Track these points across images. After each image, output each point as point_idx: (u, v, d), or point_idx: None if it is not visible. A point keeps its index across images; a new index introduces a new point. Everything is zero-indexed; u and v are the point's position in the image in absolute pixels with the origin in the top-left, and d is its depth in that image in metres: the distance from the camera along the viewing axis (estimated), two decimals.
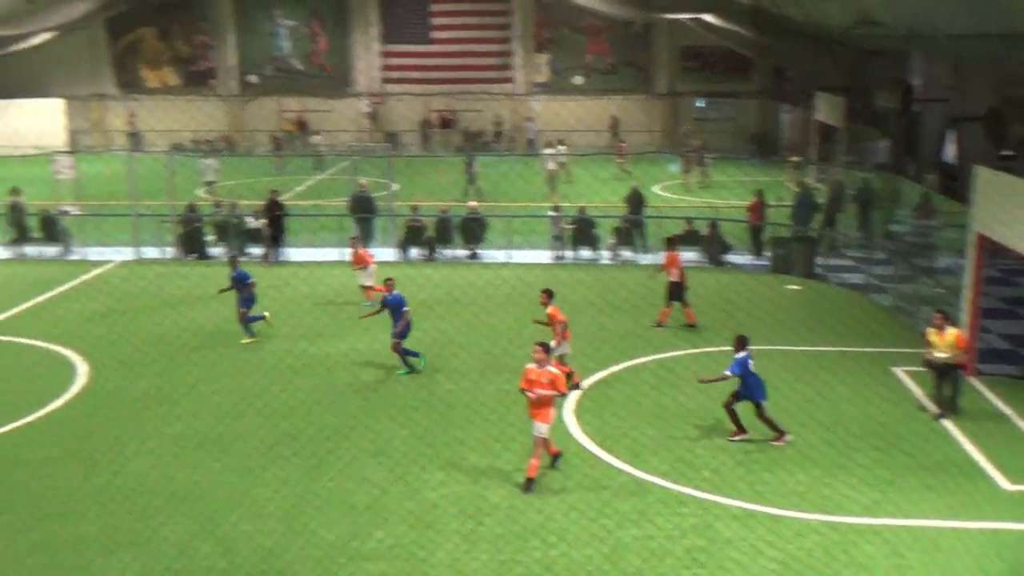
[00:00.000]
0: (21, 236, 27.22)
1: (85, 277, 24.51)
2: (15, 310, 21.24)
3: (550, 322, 16.07)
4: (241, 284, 18.87)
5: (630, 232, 26.26)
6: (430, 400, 15.85)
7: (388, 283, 17.35)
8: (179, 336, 19.25)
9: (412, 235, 26.31)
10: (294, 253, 26.29)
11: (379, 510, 12.14)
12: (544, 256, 26.21)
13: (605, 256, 26.12)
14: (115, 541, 11.40)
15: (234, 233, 26.71)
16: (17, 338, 19.35)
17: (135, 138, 50.77)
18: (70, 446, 14.10)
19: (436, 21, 50.55)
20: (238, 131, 51.27)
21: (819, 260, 24.56)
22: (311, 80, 51.94)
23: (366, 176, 30.45)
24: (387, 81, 51.76)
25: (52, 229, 27.02)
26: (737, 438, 14.09)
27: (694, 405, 15.18)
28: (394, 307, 16.98)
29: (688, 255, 25.52)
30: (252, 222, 26.75)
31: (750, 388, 13.97)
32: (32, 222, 27.33)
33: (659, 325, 19.70)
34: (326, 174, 41.67)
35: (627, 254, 26.11)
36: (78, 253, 26.89)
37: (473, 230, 26.31)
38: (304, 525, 11.77)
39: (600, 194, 31.20)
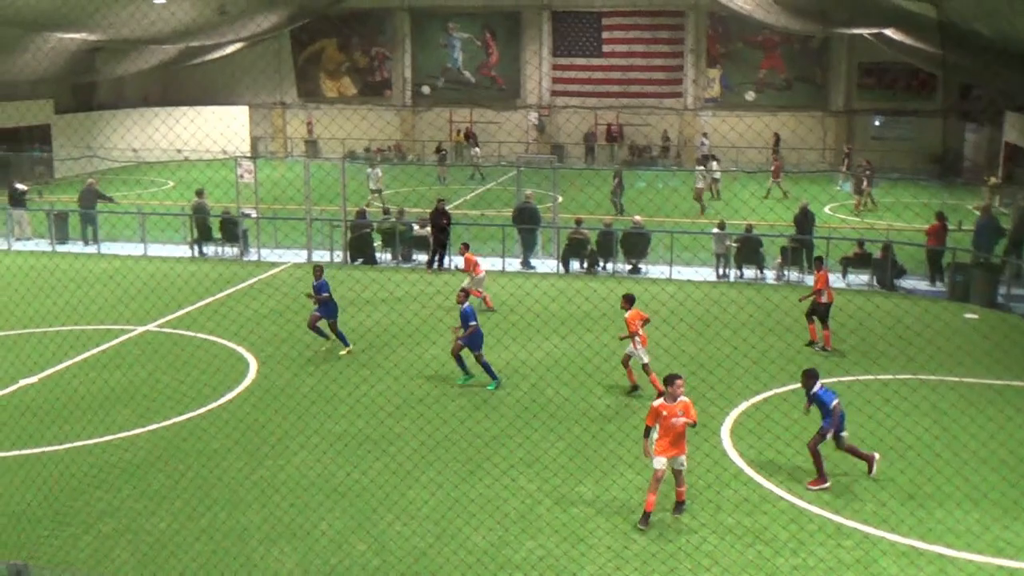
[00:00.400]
0: (203, 236, 28.61)
1: (260, 277, 25.57)
2: (194, 306, 22.34)
3: (628, 330, 16.06)
4: (321, 293, 18.69)
5: (798, 252, 25.48)
6: (587, 412, 15.75)
7: (460, 295, 17.31)
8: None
9: (574, 248, 26.30)
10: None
11: (531, 520, 12.11)
12: (707, 273, 25.74)
13: (770, 276, 25.45)
14: (276, 532, 11.76)
15: (401, 240, 27.33)
16: (195, 333, 20.34)
17: (312, 145, 52.81)
18: (238, 438, 14.66)
19: (608, 35, 50.58)
20: (410, 140, 52.57)
21: (1002, 289, 23.22)
22: (482, 92, 52.82)
23: (532, 187, 30.66)
24: (556, 94, 52.12)
25: (232, 230, 28.29)
26: (816, 487, 13.02)
27: (864, 433, 14.55)
28: (465, 317, 16.89)
29: (860, 278, 24.64)
30: (418, 229, 27.32)
31: (835, 419, 13.05)
32: (214, 223, 28.69)
33: (824, 348, 19.04)
34: (492, 185, 42.20)
35: (794, 275, 25.36)
36: (255, 254, 28.09)
37: (636, 244, 26.09)
38: (457, 529, 11.85)
39: (757, 212, 30.44)
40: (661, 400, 12.05)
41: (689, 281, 24.66)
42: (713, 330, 20.04)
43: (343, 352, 18.90)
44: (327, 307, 18.82)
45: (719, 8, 46.10)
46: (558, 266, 26.39)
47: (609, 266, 26.38)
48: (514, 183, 32.55)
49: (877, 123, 47.93)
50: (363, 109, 52.77)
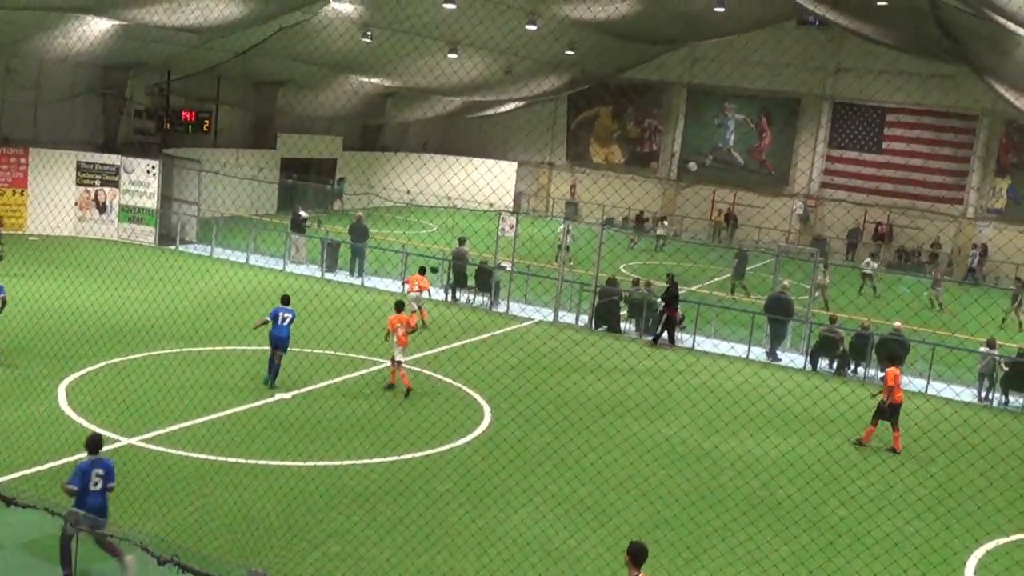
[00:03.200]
0: (459, 282, 29.70)
1: (506, 330, 26.19)
2: (441, 349, 23.16)
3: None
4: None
5: None
6: (818, 522, 15.00)
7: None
8: (580, 402, 19.89)
9: (825, 346, 25.29)
10: (701, 342, 26.31)
11: None
12: (966, 394, 24.03)
13: None
14: None
15: (647, 312, 27.25)
16: (439, 375, 21.06)
17: (573, 207, 53.85)
18: (465, 485, 14.97)
19: (889, 131, 48.82)
20: (669, 214, 52.63)
21: None
22: (748, 174, 52.19)
23: (789, 278, 29.84)
24: (825, 185, 50.73)
25: (486, 280, 29.20)
26: None
27: None
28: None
29: None
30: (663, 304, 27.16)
31: None
32: (470, 271, 29.71)
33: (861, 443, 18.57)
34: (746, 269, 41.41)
35: None
36: (504, 306, 28.83)
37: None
38: None
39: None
40: None
41: (947, 400, 23.11)
42: (968, 459, 18.62)
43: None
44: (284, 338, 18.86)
45: (1019, 116, 43.49)
46: (806, 362, 25.47)
47: (861, 370, 25.17)
48: (769, 270, 31.81)
49: None
50: (627, 178, 53.35)
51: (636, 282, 28.80)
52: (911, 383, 24.39)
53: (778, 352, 26.11)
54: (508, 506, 14.35)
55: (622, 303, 28.01)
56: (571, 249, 35.10)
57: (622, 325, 27.62)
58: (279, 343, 18.81)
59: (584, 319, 27.87)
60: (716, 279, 37.44)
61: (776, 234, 49.77)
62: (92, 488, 10.77)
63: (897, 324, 25.39)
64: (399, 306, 20.02)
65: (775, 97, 51.13)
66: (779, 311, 26.31)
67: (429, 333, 23.45)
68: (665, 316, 26.17)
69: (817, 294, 30.72)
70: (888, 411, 18.90)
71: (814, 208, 50.59)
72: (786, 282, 27.91)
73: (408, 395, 19.10)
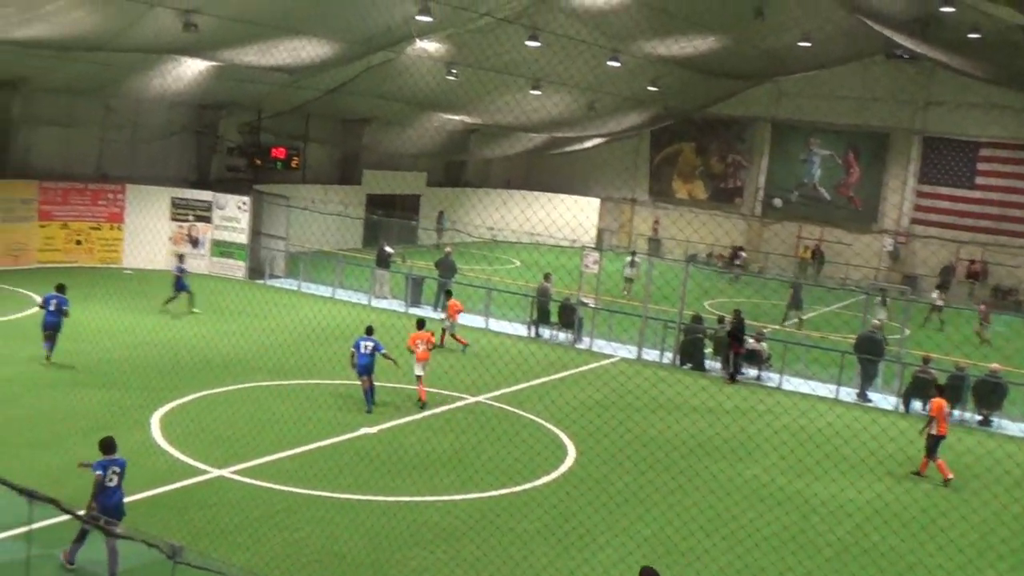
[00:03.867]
0: (542, 318, 29.69)
1: (590, 366, 26.06)
2: (523, 385, 23.13)
3: None
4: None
5: None
6: (914, 566, 14.51)
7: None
8: (665, 440, 19.65)
9: (919, 387, 24.59)
10: (788, 381, 25.84)
11: None
12: None
13: None
14: None
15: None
16: (522, 411, 21.02)
17: (655, 244, 53.58)
18: (548, 522, 14.88)
19: (983, 166, 47.65)
20: (753, 251, 52.02)
21: None
22: (835, 211, 51.37)
23: (878, 317, 29.17)
24: (916, 221, 49.65)
25: (569, 316, 29.13)
26: None
27: None
28: None
29: None
30: (752, 343, 26.77)
31: None
32: (553, 307, 29.70)
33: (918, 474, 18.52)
34: (833, 308, 40.67)
35: None
36: (587, 343, 28.71)
37: (990, 394, 24.01)
38: None
39: None
40: None
41: None
42: None
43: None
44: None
45: None
46: (898, 404, 24.80)
47: (956, 412, 24.41)
48: (858, 309, 31.17)
49: None
50: (710, 214, 52.92)
51: (721, 319, 28.46)
52: (1007, 427, 23.64)
53: (868, 393, 25.50)
54: (592, 544, 14.21)
55: (707, 340, 27.69)
56: (634, 282, 35.72)
57: (707, 363, 27.28)
58: (362, 370, 19.71)
59: (668, 356, 27.60)
60: (803, 316, 36.78)
61: (864, 271, 48.81)
62: (108, 484, 11.77)
63: (994, 366, 24.63)
64: (420, 324, 21.14)
65: (863, 132, 50.33)
66: (870, 350, 25.70)
67: (509, 370, 23.39)
68: (733, 353, 25.92)
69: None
70: (928, 441, 18.96)
71: (904, 245, 49.52)
72: (877, 320, 27.29)
73: (423, 407, 20.02)
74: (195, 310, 27.58)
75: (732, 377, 26.04)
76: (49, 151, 33.02)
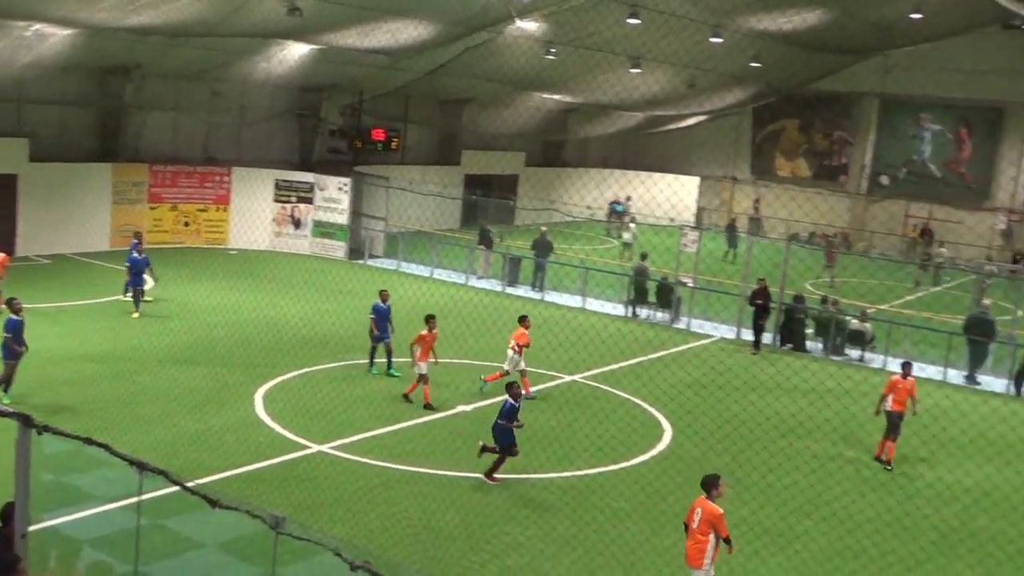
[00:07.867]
0: (639, 298, 29.53)
1: (688, 346, 25.86)
2: (620, 364, 23.07)
3: None
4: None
5: None
6: (1017, 555, 14.08)
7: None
8: (760, 421, 19.41)
9: None
10: (891, 362, 25.19)
11: None
12: None
13: None
14: None
15: (836, 331, 26.34)
16: (618, 391, 21.00)
17: (756, 223, 52.64)
18: (643, 501, 14.87)
19: None
20: (859, 229, 50.73)
21: None
22: (945, 188, 49.69)
23: (988, 297, 28.20)
24: None
25: (667, 296, 28.91)
26: None
27: None
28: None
29: None
30: (855, 323, 26.18)
31: None
32: (651, 286, 29.51)
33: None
34: (942, 287, 39.49)
35: None
36: (685, 322, 28.48)
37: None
38: None
39: None
40: None
41: None
42: None
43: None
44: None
45: None
46: (1009, 386, 23.98)
47: None
48: (968, 289, 30.20)
49: None
50: (813, 192, 51.74)
51: (824, 299, 27.90)
52: None
53: (977, 375, 24.72)
54: None
55: (808, 321, 27.18)
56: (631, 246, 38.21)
57: (808, 344, 26.79)
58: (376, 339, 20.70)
59: (769, 337, 27.17)
60: (906, 297, 35.81)
61: (974, 251, 47.16)
62: None
63: None
64: (429, 320, 19.51)
65: (975, 105, 48.50)
66: (980, 332, 24.88)
67: (606, 347, 23.30)
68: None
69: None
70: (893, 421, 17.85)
71: (1020, 223, 47.66)
72: (987, 301, 26.41)
73: (406, 400, 18.84)
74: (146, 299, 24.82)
75: (756, 345, 26.08)
76: (158, 135, 34.10)
